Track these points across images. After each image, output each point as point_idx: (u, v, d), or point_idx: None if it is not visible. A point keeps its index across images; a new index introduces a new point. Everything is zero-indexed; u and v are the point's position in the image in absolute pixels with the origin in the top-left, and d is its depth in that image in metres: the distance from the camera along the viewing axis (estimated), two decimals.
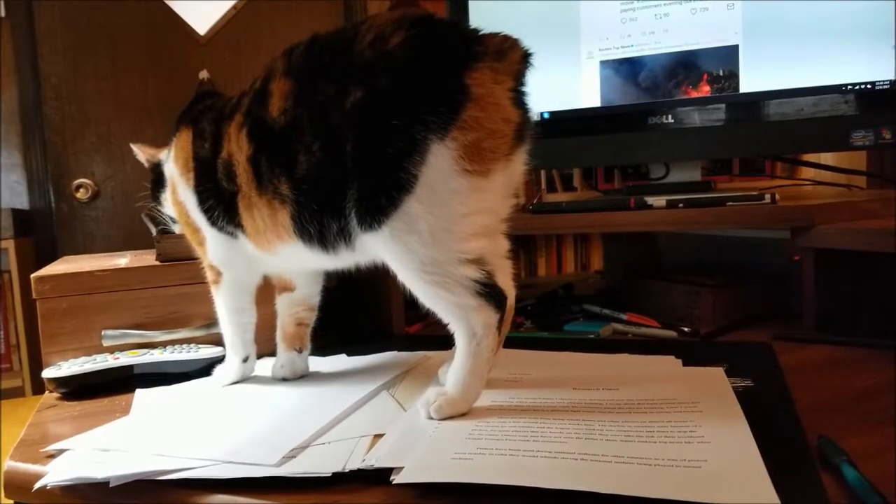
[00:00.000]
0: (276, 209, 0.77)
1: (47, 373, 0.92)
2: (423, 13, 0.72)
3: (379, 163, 0.68)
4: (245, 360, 0.92)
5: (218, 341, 1.01)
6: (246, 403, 0.83)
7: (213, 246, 0.89)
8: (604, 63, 1.24)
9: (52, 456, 0.69)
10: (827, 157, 1.38)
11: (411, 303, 1.20)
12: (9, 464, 0.70)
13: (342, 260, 0.78)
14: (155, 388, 0.92)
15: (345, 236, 0.73)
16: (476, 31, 0.71)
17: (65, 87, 2.69)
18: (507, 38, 0.71)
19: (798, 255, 1.07)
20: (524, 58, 0.71)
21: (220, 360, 0.98)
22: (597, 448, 0.60)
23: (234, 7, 2.92)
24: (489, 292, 0.70)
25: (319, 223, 0.74)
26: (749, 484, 0.52)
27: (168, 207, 1.01)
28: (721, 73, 1.16)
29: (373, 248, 0.72)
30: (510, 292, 0.75)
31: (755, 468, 0.54)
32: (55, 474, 0.64)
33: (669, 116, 1.20)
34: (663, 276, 1.25)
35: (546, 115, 1.28)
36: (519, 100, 0.70)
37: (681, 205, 1.09)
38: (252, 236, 0.82)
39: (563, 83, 1.27)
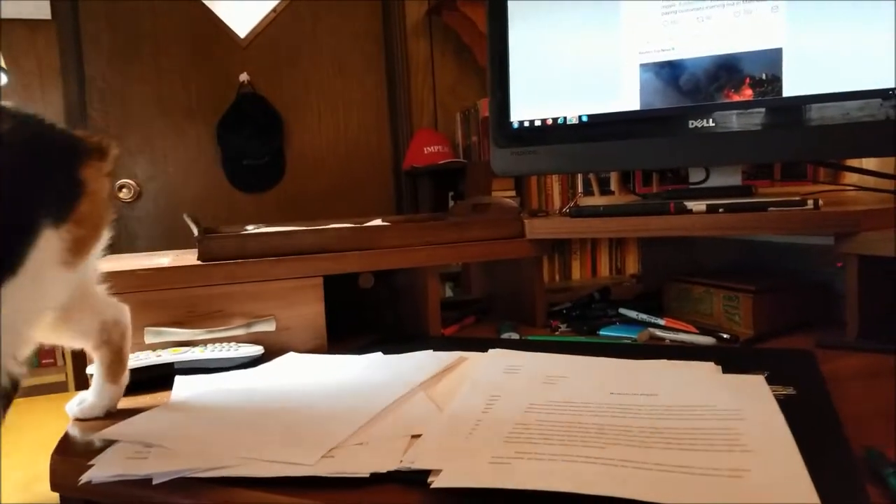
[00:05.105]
0: None
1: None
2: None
3: None
4: None
5: (257, 340, 1.03)
6: (283, 400, 0.84)
7: None
8: (644, 66, 1.23)
9: (97, 450, 0.71)
10: (870, 162, 1.35)
11: (448, 304, 1.22)
12: (54, 458, 0.72)
13: None
14: (194, 375, 0.95)
15: None
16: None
17: (109, 90, 2.75)
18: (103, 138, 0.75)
19: (841, 262, 1.05)
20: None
21: (260, 358, 0.99)
22: (638, 455, 0.59)
23: (275, 10, 2.97)
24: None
25: None
26: (794, 495, 0.51)
27: None
28: (764, 77, 1.14)
29: None
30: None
31: (800, 479, 0.53)
32: (99, 470, 0.65)
33: (710, 120, 1.18)
34: (702, 280, 1.23)
35: (584, 118, 1.27)
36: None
37: (721, 210, 1.08)
38: None
39: (601, 86, 1.26)
